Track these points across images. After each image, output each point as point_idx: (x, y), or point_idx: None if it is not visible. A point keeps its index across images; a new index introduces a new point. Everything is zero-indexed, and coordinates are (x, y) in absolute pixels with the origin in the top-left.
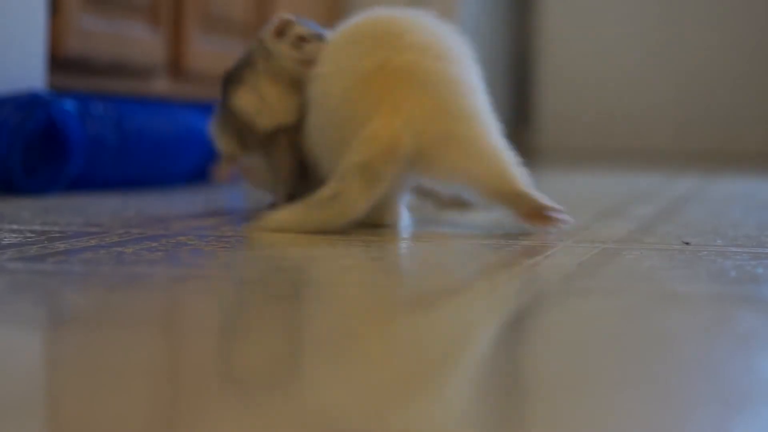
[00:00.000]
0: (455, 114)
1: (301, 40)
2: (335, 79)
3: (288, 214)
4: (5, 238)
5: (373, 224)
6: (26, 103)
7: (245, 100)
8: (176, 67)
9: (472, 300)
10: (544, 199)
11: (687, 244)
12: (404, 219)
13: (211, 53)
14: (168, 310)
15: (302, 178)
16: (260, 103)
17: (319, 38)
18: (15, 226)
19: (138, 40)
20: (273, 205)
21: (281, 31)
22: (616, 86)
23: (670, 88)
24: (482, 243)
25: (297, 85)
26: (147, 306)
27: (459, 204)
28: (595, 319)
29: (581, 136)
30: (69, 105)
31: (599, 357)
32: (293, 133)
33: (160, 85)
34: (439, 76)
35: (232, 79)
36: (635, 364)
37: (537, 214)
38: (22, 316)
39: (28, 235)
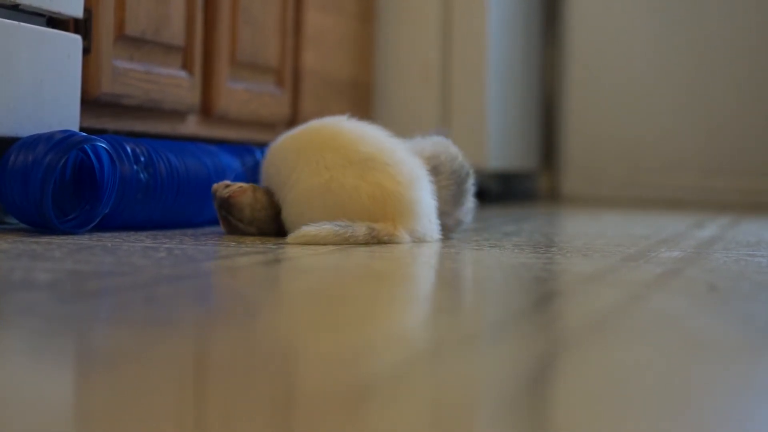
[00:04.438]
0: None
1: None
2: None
3: (319, 231)
4: (39, 276)
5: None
6: (59, 142)
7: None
8: (206, 109)
9: (494, 343)
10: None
11: (714, 288)
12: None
13: (240, 96)
14: (198, 351)
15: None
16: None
17: None
18: (48, 265)
19: (169, 82)
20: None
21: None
22: (643, 133)
23: (696, 136)
24: (507, 286)
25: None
26: (178, 347)
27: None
28: (620, 369)
29: (607, 182)
30: (102, 145)
31: (622, 409)
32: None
33: (191, 127)
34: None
35: None
36: (660, 417)
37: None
38: (54, 355)
39: (61, 274)
